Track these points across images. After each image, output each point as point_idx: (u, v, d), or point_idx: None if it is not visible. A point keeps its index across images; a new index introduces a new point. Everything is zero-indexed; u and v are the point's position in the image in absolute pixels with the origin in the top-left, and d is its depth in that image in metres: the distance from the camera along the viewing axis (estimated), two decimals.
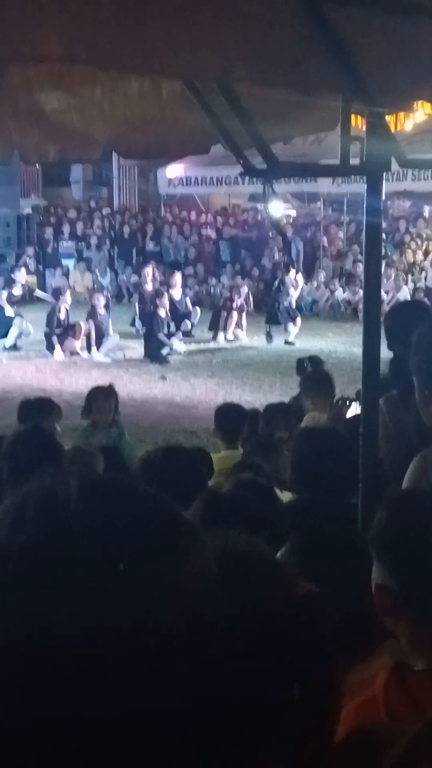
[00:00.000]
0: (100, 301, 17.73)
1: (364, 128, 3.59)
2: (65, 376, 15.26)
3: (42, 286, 23.76)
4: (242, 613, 1.04)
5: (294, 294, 19.21)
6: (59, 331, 17.29)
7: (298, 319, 18.79)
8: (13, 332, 17.78)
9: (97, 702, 0.82)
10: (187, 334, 18.82)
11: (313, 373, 8.22)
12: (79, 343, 17.30)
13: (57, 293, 18.56)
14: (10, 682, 0.83)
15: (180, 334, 18.16)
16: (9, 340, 17.61)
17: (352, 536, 2.51)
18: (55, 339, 17.11)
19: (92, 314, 17.40)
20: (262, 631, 1.12)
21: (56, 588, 0.84)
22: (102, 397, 8.16)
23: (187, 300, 19.61)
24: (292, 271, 20.13)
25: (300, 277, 20.09)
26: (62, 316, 17.52)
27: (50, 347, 17.09)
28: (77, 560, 0.85)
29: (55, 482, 0.93)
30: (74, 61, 2.98)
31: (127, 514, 0.90)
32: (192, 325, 19.16)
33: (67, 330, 17.38)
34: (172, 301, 18.63)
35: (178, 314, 18.66)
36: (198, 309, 19.72)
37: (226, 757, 0.91)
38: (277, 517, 2.91)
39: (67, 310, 17.72)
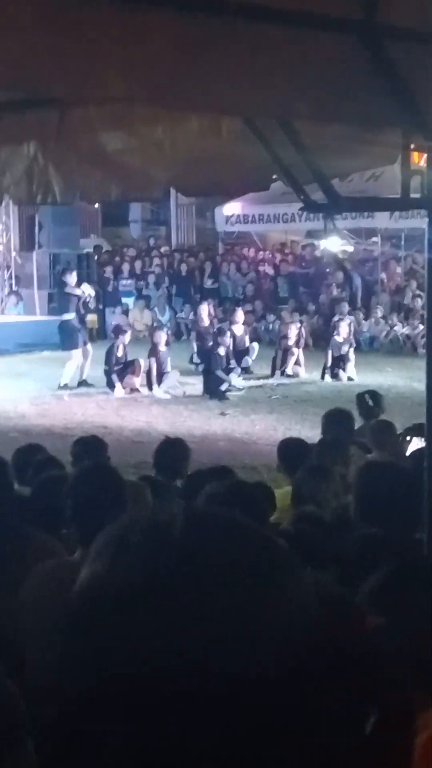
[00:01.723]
0: (161, 338, 17.81)
1: (424, 163, 3.60)
2: (126, 412, 15.35)
3: (102, 324, 23.96)
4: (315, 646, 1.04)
5: (345, 338, 19.00)
6: (118, 368, 17.39)
7: (351, 362, 18.64)
8: (69, 370, 17.84)
9: (196, 729, 0.83)
10: (246, 370, 18.85)
11: (330, 413, 8.27)
12: (138, 380, 17.39)
13: (117, 331, 18.67)
14: (114, 713, 0.84)
15: (239, 370, 18.19)
16: (64, 378, 17.68)
17: (427, 570, 2.50)
18: (114, 376, 17.21)
19: (153, 351, 17.49)
20: (332, 665, 1.11)
21: (161, 618, 0.85)
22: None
23: (246, 337, 19.66)
24: (346, 307, 20.10)
25: (348, 323, 19.80)
26: (120, 353, 17.61)
27: (110, 384, 17.19)
28: (183, 591, 0.86)
29: (156, 514, 0.94)
30: (136, 101, 3.03)
31: (230, 545, 0.90)
32: (251, 361, 19.20)
33: (127, 367, 17.47)
34: (233, 337, 18.70)
35: (237, 351, 18.72)
36: (256, 345, 19.76)
37: None
38: (343, 551, 2.90)
39: (125, 347, 17.82)
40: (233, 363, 17.92)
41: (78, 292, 18.96)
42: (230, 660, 0.84)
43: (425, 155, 3.53)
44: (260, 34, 2.82)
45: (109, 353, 17.54)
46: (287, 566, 0.92)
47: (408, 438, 7.22)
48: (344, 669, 1.11)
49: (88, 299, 19.45)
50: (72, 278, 19.07)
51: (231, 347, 18.16)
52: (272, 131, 3.78)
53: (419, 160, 3.72)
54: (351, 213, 19.38)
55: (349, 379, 18.12)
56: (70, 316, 18.52)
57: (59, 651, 0.92)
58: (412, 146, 3.73)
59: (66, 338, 18.63)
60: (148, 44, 2.69)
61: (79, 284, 19.02)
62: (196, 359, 19.23)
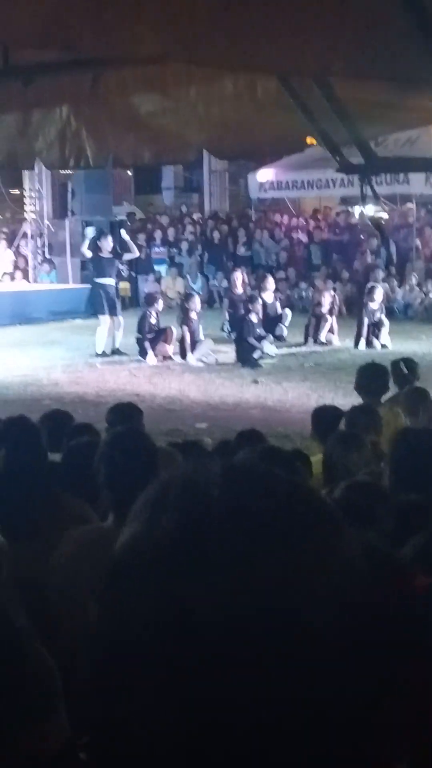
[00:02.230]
0: (194, 305, 17.76)
1: None
2: (158, 380, 15.36)
3: (135, 292, 23.96)
4: (363, 604, 1.01)
5: (379, 305, 18.85)
6: (151, 336, 17.39)
7: (385, 329, 18.51)
8: (101, 337, 17.85)
9: (238, 691, 0.81)
10: (280, 338, 18.80)
11: (365, 368, 8.18)
12: (171, 348, 17.39)
13: (149, 299, 18.65)
14: (156, 670, 0.82)
15: (271, 338, 18.14)
16: (99, 347, 17.70)
17: None
18: (147, 344, 17.21)
19: (186, 319, 17.47)
20: (380, 623, 1.08)
21: (201, 576, 0.83)
22: None
23: (278, 303, 19.57)
24: (380, 274, 19.95)
25: (382, 290, 19.61)
26: (153, 321, 17.60)
27: (143, 352, 17.20)
28: (222, 547, 0.84)
29: (195, 470, 0.92)
30: (171, 60, 2.98)
31: (271, 500, 0.88)
32: (285, 327, 19.13)
33: (159, 335, 17.47)
34: (264, 304, 18.63)
35: (269, 318, 18.66)
36: (289, 311, 19.68)
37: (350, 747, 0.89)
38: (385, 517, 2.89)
39: (157, 315, 17.80)
40: (264, 331, 17.87)
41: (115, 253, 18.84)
42: (276, 619, 0.82)
43: None
44: None
45: (142, 321, 17.54)
46: (333, 523, 0.90)
47: None
48: (396, 628, 1.08)
49: (122, 267, 19.44)
50: (107, 244, 19.04)
51: (262, 315, 18.10)
52: (308, 92, 3.72)
53: None
54: (386, 178, 19.23)
55: (383, 346, 18.02)
56: (109, 280, 18.48)
57: (97, 613, 0.90)
58: None
59: (94, 302, 18.64)
60: (183, 2, 2.64)
61: (114, 250, 18.90)
62: (227, 327, 19.19)
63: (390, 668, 0.90)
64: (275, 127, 4.55)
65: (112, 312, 18.06)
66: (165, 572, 0.84)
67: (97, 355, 17.45)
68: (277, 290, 20.51)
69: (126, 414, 7.01)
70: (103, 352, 17.57)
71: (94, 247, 18.76)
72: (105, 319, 17.94)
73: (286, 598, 0.83)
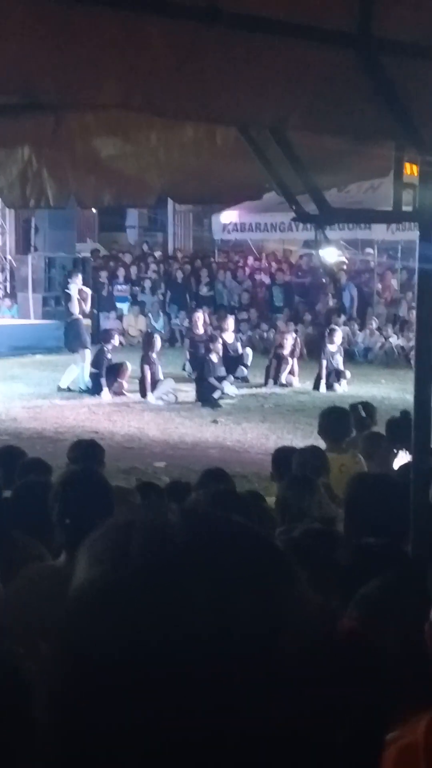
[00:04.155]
0: (155, 344, 17.79)
1: (417, 176, 3.61)
2: (118, 418, 15.34)
3: (96, 328, 23.98)
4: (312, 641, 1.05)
5: (338, 348, 18.99)
6: (106, 372, 17.39)
7: (345, 380, 18.66)
8: (71, 374, 17.86)
9: (197, 735, 0.84)
10: (242, 378, 18.87)
11: (329, 412, 8.26)
12: (126, 384, 17.40)
13: (105, 336, 18.67)
14: (120, 716, 0.84)
15: (231, 378, 18.20)
16: (64, 382, 17.71)
17: (421, 582, 2.52)
18: (103, 381, 17.21)
19: (146, 358, 17.49)
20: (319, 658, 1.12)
21: (167, 619, 0.85)
22: None
23: (238, 344, 19.65)
24: (341, 319, 20.11)
25: (341, 333, 19.75)
26: (109, 357, 17.62)
27: (98, 388, 17.18)
28: (188, 591, 0.86)
29: (156, 515, 0.94)
30: (131, 108, 3.03)
31: (229, 544, 0.91)
32: (245, 369, 19.21)
33: (114, 370, 17.48)
34: (224, 344, 18.71)
35: (230, 358, 18.72)
36: (250, 350, 19.77)
37: None
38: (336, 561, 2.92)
39: (112, 351, 17.85)
40: (225, 371, 17.92)
41: (82, 294, 19.05)
42: (240, 651, 0.85)
43: (418, 168, 3.54)
44: (255, 44, 2.83)
45: (98, 357, 17.52)
46: (284, 565, 0.93)
47: (396, 451, 7.25)
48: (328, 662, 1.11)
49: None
50: (78, 280, 19.14)
51: (222, 355, 18.17)
52: (266, 142, 3.79)
53: (412, 172, 3.73)
54: (348, 224, 19.44)
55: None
56: (78, 316, 18.62)
57: (55, 650, 0.91)
58: (405, 159, 3.74)
59: (73, 339, 18.67)
60: (144, 51, 2.70)
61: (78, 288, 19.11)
62: (188, 367, 19.23)
63: (328, 697, 0.94)
64: (234, 174, 4.62)
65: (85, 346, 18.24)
66: (132, 612, 0.86)
67: (59, 390, 17.50)
68: (238, 330, 20.61)
69: (88, 451, 7.02)
70: (68, 387, 17.61)
71: (65, 283, 19.01)
72: (83, 354, 18.01)
73: (251, 635, 0.86)
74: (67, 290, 19.29)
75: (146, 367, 17.21)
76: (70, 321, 19.06)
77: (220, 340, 18.38)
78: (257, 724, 0.86)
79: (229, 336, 19.36)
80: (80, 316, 18.85)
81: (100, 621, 0.88)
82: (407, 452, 5.73)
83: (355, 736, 1.13)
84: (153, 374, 17.27)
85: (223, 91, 2.76)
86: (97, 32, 2.50)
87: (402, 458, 6.75)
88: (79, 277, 19.77)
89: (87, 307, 19.66)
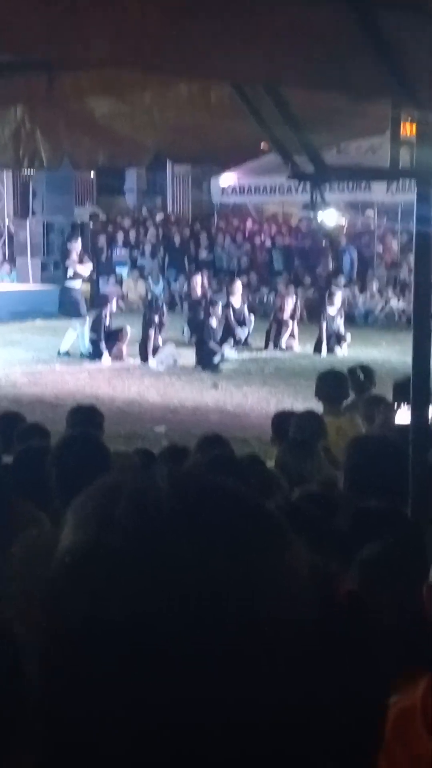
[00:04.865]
0: (157, 309, 17.73)
1: (413, 134, 3.56)
2: (117, 383, 15.33)
3: (96, 293, 23.93)
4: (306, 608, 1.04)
5: (338, 311, 18.94)
6: (105, 337, 17.37)
7: (345, 343, 18.64)
8: (70, 338, 17.83)
9: (187, 688, 0.83)
10: (244, 342, 18.84)
11: (326, 375, 8.25)
12: (125, 348, 17.37)
13: (103, 300, 18.62)
14: (102, 686, 0.83)
15: (232, 342, 18.17)
16: (64, 346, 17.69)
17: (420, 542, 2.52)
18: (102, 345, 17.17)
19: (148, 323, 17.43)
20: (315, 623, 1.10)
21: (156, 586, 0.84)
22: None
23: (245, 308, 19.59)
24: (341, 280, 20.05)
25: (341, 296, 19.68)
26: (107, 322, 17.57)
27: (98, 353, 17.16)
28: (175, 557, 0.84)
29: (141, 480, 0.92)
30: (121, 65, 2.98)
31: (217, 508, 0.89)
32: (247, 332, 19.19)
33: (113, 335, 17.44)
34: (232, 308, 18.66)
35: (237, 322, 18.70)
36: (252, 317, 19.74)
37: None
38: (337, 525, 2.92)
39: (111, 315, 17.80)
40: (225, 335, 17.90)
41: (81, 269, 18.98)
42: (225, 618, 0.84)
43: (415, 127, 3.49)
44: None
45: (96, 322, 17.48)
46: (278, 531, 0.91)
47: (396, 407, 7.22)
48: (325, 628, 1.09)
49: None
50: (77, 246, 19.05)
51: (230, 318, 18.15)
52: (261, 99, 3.74)
53: (409, 131, 3.68)
54: (347, 185, 19.32)
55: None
56: (74, 283, 18.55)
57: (38, 624, 0.90)
58: (403, 118, 3.69)
59: (67, 305, 18.63)
60: (133, 7, 2.65)
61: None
62: (186, 330, 19.19)
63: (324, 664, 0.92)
64: (229, 133, 4.57)
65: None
66: (120, 583, 0.84)
67: (59, 354, 17.46)
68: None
69: (86, 416, 7.00)
70: (67, 352, 17.59)
71: (63, 249, 18.93)
72: (79, 321, 17.99)
73: (242, 601, 0.84)
74: (68, 256, 19.17)
75: (150, 331, 17.12)
76: (64, 287, 18.99)
77: (220, 304, 18.31)
78: (251, 689, 0.85)
79: (236, 300, 19.30)
80: (75, 283, 18.76)
81: (83, 586, 0.86)
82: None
83: (357, 700, 1.11)
84: (154, 339, 17.24)
85: (214, 47, 2.70)
86: None
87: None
88: (79, 241, 19.67)
89: (86, 272, 19.61)
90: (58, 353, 17.49)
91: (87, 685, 0.85)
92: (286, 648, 0.87)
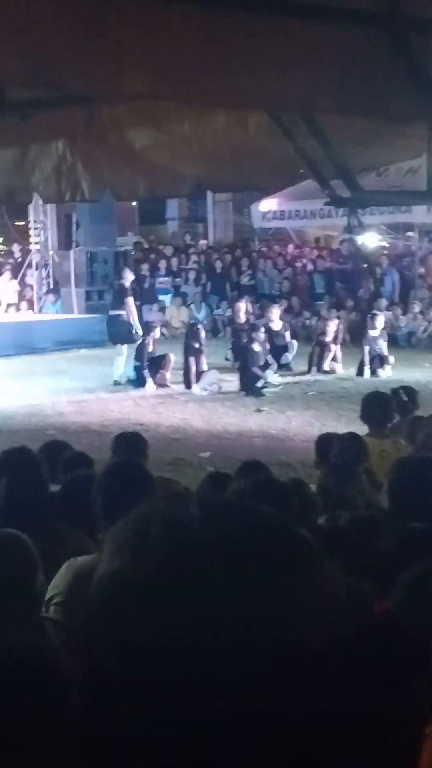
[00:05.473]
0: (200, 335, 17.79)
1: None
2: (162, 409, 15.37)
3: (140, 321, 24.07)
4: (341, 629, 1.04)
5: (381, 333, 18.85)
6: (149, 364, 17.42)
7: (388, 365, 18.54)
8: (120, 365, 17.89)
9: (224, 707, 0.84)
10: (286, 367, 18.82)
11: (370, 397, 8.21)
12: (169, 375, 17.42)
13: (146, 328, 18.68)
14: (142, 693, 0.84)
15: (275, 367, 18.16)
16: (116, 374, 17.76)
17: None
18: (146, 372, 17.24)
19: (190, 349, 17.48)
20: (350, 644, 1.10)
21: (187, 611, 0.85)
22: None
23: (287, 333, 19.57)
24: (383, 302, 19.95)
25: (382, 319, 19.56)
26: (151, 349, 17.63)
27: (141, 380, 17.22)
28: (205, 583, 0.86)
29: (174, 506, 0.94)
30: (157, 98, 3.03)
31: (248, 535, 0.90)
32: (290, 357, 19.16)
33: (157, 362, 17.50)
34: (271, 333, 18.67)
35: (277, 347, 18.69)
36: (295, 342, 19.71)
37: None
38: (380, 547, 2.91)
39: (154, 342, 17.85)
40: (270, 359, 17.89)
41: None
42: (264, 646, 0.84)
43: None
44: (282, 28, 2.81)
45: (140, 349, 17.55)
46: (312, 557, 0.92)
47: None
48: (361, 648, 1.10)
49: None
50: (129, 274, 19.15)
51: (268, 343, 18.14)
52: (298, 125, 3.76)
53: None
54: (388, 207, 19.29)
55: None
56: (122, 311, 18.64)
57: (79, 651, 0.92)
58: None
59: (117, 332, 18.70)
60: (171, 41, 2.69)
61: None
62: (230, 356, 19.21)
63: (360, 681, 0.92)
64: (268, 161, 4.60)
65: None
66: (152, 609, 0.86)
67: (114, 383, 17.52)
68: (281, 319, 20.55)
69: (131, 443, 7.04)
70: (117, 381, 17.67)
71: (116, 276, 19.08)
72: (126, 348, 18.05)
73: (273, 624, 0.85)
74: (122, 281, 19.20)
75: (191, 359, 17.20)
76: (111, 315, 19.05)
77: (263, 329, 18.32)
78: (284, 714, 0.85)
79: (276, 325, 19.31)
80: (122, 311, 18.83)
81: (119, 614, 0.88)
82: None
83: (393, 726, 1.11)
84: (198, 365, 17.27)
85: (248, 76, 2.74)
86: (120, 22, 2.50)
87: None
88: (130, 270, 19.81)
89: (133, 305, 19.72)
90: (114, 383, 17.54)
91: (125, 712, 0.86)
92: (320, 671, 0.87)
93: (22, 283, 26.53)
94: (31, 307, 26.00)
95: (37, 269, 26.36)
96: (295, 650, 0.86)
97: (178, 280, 26.62)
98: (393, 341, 20.62)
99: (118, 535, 0.94)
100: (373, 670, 1.11)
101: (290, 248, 27.50)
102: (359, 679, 0.99)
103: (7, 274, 26.49)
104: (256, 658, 0.84)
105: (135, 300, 19.60)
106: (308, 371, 18.79)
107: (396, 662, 1.19)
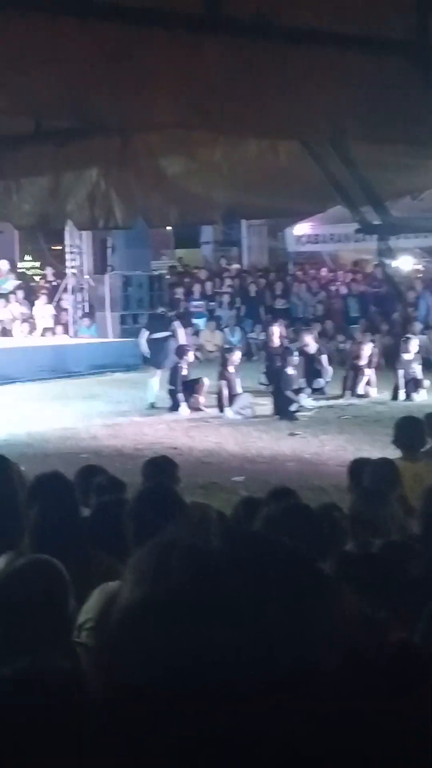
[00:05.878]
0: (234, 359, 17.80)
1: None
2: (196, 433, 15.38)
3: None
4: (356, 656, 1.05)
5: (414, 356, 18.78)
6: (183, 388, 17.45)
7: (423, 389, 18.45)
8: (154, 387, 17.95)
9: (243, 723, 0.85)
10: (320, 391, 18.78)
11: (403, 421, 8.18)
12: (203, 399, 17.43)
13: (180, 352, 18.72)
14: (164, 713, 0.86)
15: (309, 391, 18.13)
16: (151, 397, 17.82)
17: None
18: (180, 396, 17.27)
19: (224, 373, 17.50)
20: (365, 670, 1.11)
21: (203, 641, 0.86)
22: None
23: (324, 357, 19.53)
24: (418, 326, 19.86)
25: (416, 342, 19.49)
26: (184, 372, 17.66)
27: (175, 404, 17.25)
28: (224, 612, 0.87)
29: (194, 535, 0.95)
30: (188, 128, 3.06)
31: (269, 562, 0.91)
32: (324, 382, 19.13)
33: (191, 386, 17.53)
34: (307, 357, 18.65)
35: (313, 370, 18.67)
36: (331, 368, 19.66)
37: None
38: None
39: (188, 366, 17.89)
40: (303, 383, 17.87)
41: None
42: (281, 671, 0.86)
43: None
44: (311, 57, 2.84)
45: (174, 373, 17.59)
46: (325, 581, 0.93)
47: None
48: (377, 674, 1.10)
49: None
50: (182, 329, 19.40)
51: (303, 367, 18.12)
52: (329, 153, 3.79)
53: None
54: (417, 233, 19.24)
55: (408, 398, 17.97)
56: (163, 334, 18.75)
57: (101, 678, 0.94)
58: None
59: (155, 356, 18.77)
60: (202, 71, 2.73)
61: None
62: (263, 380, 19.21)
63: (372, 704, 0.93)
64: (299, 188, 4.62)
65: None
66: (169, 633, 0.87)
67: (150, 407, 17.56)
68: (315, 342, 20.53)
69: (161, 467, 7.06)
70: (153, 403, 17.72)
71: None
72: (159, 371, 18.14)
73: (290, 652, 0.87)
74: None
75: (223, 383, 17.23)
76: (150, 338, 19.11)
77: (296, 353, 18.31)
78: (301, 740, 0.87)
79: (311, 348, 19.29)
80: (161, 334, 18.98)
81: (140, 642, 0.89)
82: None
83: (407, 753, 1.11)
84: (231, 389, 17.28)
85: (279, 106, 2.77)
86: (151, 53, 2.53)
87: None
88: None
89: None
90: (151, 406, 17.58)
91: (149, 739, 0.87)
92: (335, 694, 0.88)
93: (58, 308, 26.71)
94: (66, 331, 26.16)
95: (72, 293, 26.52)
96: (309, 677, 0.87)
97: (212, 303, 26.68)
98: (427, 365, 20.52)
99: (141, 564, 0.95)
100: (380, 699, 1.11)
101: (324, 272, 27.51)
102: (365, 708, 1.00)
103: (43, 299, 26.69)
104: (268, 686, 0.86)
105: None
106: (342, 395, 18.73)
107: (406, 690, 1.19)
